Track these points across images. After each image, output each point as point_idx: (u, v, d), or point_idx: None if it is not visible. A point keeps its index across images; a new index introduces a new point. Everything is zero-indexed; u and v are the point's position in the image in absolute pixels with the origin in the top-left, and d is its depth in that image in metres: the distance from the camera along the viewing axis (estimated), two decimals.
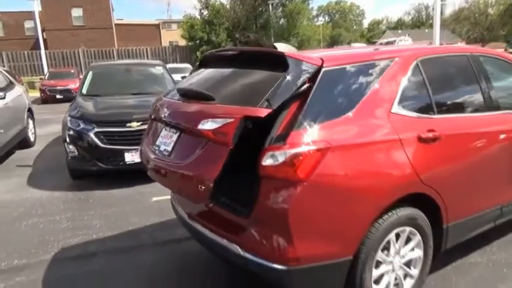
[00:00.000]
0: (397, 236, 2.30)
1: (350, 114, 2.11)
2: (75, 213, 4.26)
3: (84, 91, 5.89)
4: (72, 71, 19.63)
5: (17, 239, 3.70)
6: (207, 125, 2.09)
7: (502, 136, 2.74)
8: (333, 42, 58.12)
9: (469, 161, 2.56)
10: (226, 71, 2.54)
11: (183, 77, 15.44)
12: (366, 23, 76.78)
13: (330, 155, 1.96)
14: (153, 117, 2.84)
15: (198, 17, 29.08)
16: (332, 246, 2.02)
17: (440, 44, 12.28)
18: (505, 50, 25.43)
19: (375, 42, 41.25)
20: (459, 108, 2.68)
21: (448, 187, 2.43)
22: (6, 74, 7.59)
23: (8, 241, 3.65)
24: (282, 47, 2.51)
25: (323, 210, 1.98)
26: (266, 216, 1.97)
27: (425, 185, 2.28)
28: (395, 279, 2.37)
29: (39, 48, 32.77)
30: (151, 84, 6.25)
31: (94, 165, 4.87)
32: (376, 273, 2.24)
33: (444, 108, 2.56)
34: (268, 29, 29.79)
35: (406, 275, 2.42)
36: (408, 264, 2.42)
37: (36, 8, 27.05)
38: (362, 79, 2.24)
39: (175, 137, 2.44)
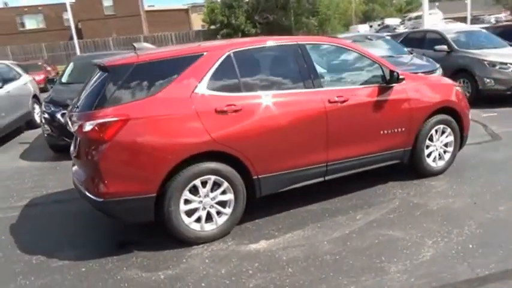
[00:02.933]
0: (205, 182, 3.17)
1: (155, 95, 2.99)
2: (40, 177, 5.45)
3: (63, 80, 7.06)
4: (39, 63, 20.35)
5: None
6: (74, 127, 3.09)
7: (311, 108, 3.47)
8: (365, 19, 56.57)
9: (272, 128, 3.31)
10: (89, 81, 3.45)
11: None
12: None
13: (130, 122, 2.87)
14: None
15: (219, 0, 29.81)
16: (136, 185, 2.95)
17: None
18: None
19: (405, 17, 39.88)
20: (266, 87, 3.41)
21: (251, 147, 3.24)
22: (13, 66, 8.97)
23: None
24: (140, 45, 3.42)
25: (126, 161, 2.92)
26: (89, 165, 2.95)
27: (223, 145, 3.12)
28: (209, 214, 3.25)
29: (80, 38, 35.15)
30: None
31: (62, 140, 6.01)
32: (185, 208, 3.13)
33: (250, 87, 3.33)
34: (288, 9, 29.97)
35: (219, 212, 3.28)
36: (222, 204, 3.28)
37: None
38: (170, 70, 3.11)
39: None
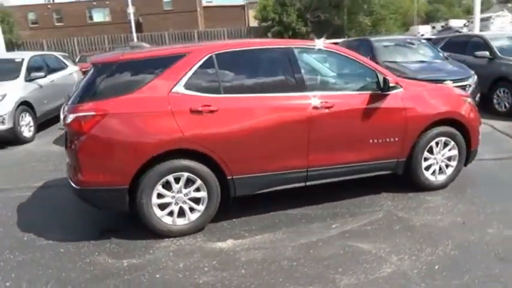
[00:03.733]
0: (178, 178, 3.30)
1: (134, 93, 3.17)
2: (63, 161, 5.90)
3: None
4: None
5: (20, 174, 5.46)
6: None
7: (292, 113, 3.46)
8: (428, 19, 53.78)
9: (249, 131, 3.35)
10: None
11: None
12: None
13: (107, 117, 3.06)
14: None
15: None
16: (110, 177, 3.14)
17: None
18: None
19: (470, 18, 37.33)
20: (246, 90, 3.46)
21: (225, 148, 3.31)
22: (60, 58, 9.73)
23: (13, 174, 5.44)
24: (138, 44, 3.62)
25: (102, 153, 3.12)
26: (71, 155, 3.20)
27: (196, 144, 3.23)
28: (182, 209, 3.37)
29: (139, 32, 37.06)
30: None
31: None
32: (158, 201, 3.28)
33: (230, 90, 3.39)
34: (341, 8, 29.32)
35: (192, 209, 3.40)
36: (195, 201, 3.40)
37: None
38: (151, 69, 3.26)
39: None
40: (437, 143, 4.04)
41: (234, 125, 3.35)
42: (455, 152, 4.12)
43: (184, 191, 3.35)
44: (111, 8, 44.16)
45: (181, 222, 3.38)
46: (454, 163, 4.16)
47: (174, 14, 38.06)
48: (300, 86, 3.55)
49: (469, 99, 4.25)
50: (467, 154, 4.20)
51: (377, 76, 3.76)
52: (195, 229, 3.42)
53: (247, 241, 3.29)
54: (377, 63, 5.57)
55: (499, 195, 3.97)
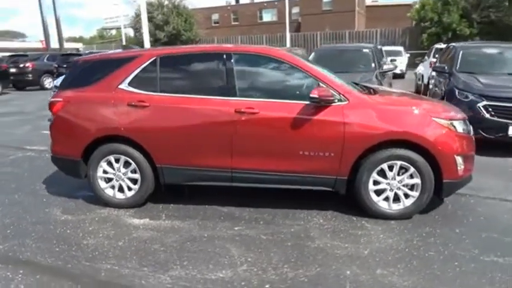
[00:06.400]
0: (118, 159, 3.96)
1: (91, 86, 3.96)
2: None
3: None
4: None
5: None
6: None
7: (217, 115, 3.67)
8: None
9: (175, 127, 3.75)
10: None
11: (392, 60, 16.09)
12: None
13: (68, 104, 3.96)
14: None
15: None
16: (68, 150, 4.03)
17: None
18: None
19: None
20: (180, 90, 3.80)
21: (153, 139, 3.81)
22: None
23: None
24: (125, 46, 4.46)
25: (63, 131, 4.04)
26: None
27: (127, 132, 3.82)
28: (122, 185, 4.03)
29: (298, 31, 39.06)
30: None
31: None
32: (103, 175, 4.02)
33: (165, 89, 3.82)
34: None
35: (129, 187, 4.02)
36: (133, 181, 4.00)
37: None
38: (109, 68, 3.98)
39: None
40: (391, 167, 3.58)
41: (162, 120, 3.80)
42: (417, 180, 3.56)
43: (123, 170, 3.99)
44: (279, 9, 47.35)
45: (120, 196, 4.05)
46: (415, 193, 3.60)
47: (332, 14, 38.42)
48: (229, 90, 3.72)
49: (443, 120, 3.56)
50: (439, 185, 3.57)
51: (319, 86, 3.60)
52: (130, 205, 4.03)
53: (157, 223, 3.73)
54: None
55: (457, 245, 3.28)
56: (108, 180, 4.05)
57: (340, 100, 3.58)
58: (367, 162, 3.59)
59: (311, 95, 3.44)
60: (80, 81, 4.06)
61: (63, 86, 4.14)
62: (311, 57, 8.38)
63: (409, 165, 3.54)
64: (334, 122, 3.54)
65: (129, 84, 3.89)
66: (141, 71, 3.90)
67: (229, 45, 4.18)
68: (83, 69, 4.10)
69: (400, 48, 22.26)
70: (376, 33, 30.74)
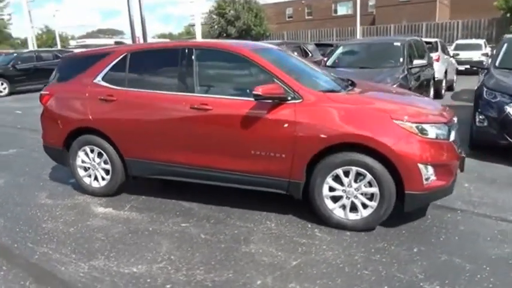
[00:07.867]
0: (92, 150, 4.18)
1: (71, 81, 4.23)
2: None
3: None
4: None
5: None
6: None
7: (173, 111, 3.68)
8: None
9: (136, 121, 3.84)
10: None
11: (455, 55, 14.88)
12: None
13: (53, 97, 4.28)
14: None
15: None
16: (53, 139, 4.35)
17: None
18: None
19: None
20: (144, 85, 3.87)
21: (118, 132, 3.95)
22: None
23: None
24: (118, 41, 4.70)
25: (48, 121, 4.37)
26: None
27: (97, 125, 4.02)
28: (96, 175, 4.25)
29: (373, 24, 37.33)
30: None
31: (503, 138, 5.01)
32: (81, 164, 4.27)
33: (132, 84, 3.93)
34: None
35: (103, 177, 4.22)
36: (106, 171, 4.20)
37: None
38: (87, 63, 4.20)
39: None
40: (347, 173, 3.28)
41: (127, 114, 3.92)
42: (375, 189, 3.22)
43: (97, 160, 4.21)
44: (354, 2, 45.43)
45: (95, 185, 4.27)
46: (373, 203, 3.26)
47: (410, 5, 35.83)
48: (188, 87, 3.70)
49: (410, 124, 3.13)
50: (401, 196, 3.19)
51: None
52: (103, 193, 4.24)
53: (117, 213, 3.87)
54: None
55: (402, 267, 2.90)
56: (86, 169, 4.30)
57: (294, 98, 3.35)
58: (321, 166, 3.32)
59: (253, 92, 3.27)
60: (64, 76, 4.36)
61: (51, 80, 4.48)
62: (337, 52, 7.94)
63: (365, 171, 3.21)
64: (285, 121, 3.33)
65: (102, 79, 4.07)
66: (113, 67, 4.06)
67: (192, 41, 4.17)
68: (68, 65, 4.40)
69: (481, 42, 20.03)
70: (458, 25, 28.08)
